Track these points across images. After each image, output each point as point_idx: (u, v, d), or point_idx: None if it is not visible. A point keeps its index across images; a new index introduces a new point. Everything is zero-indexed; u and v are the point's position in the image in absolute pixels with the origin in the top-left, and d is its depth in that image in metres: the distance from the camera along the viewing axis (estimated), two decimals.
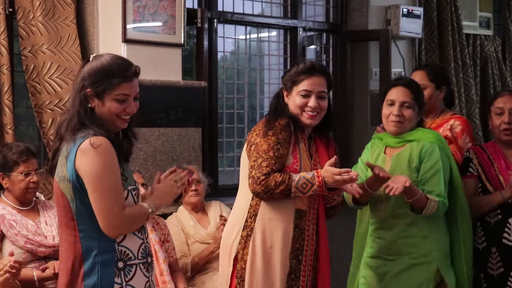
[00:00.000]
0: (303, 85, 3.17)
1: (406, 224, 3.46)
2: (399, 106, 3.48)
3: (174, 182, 2.73)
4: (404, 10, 5.82)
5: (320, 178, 3.04)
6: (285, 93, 3.24)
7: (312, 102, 3.16)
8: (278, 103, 3.25)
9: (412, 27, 5.90)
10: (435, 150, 3.45)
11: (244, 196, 3.20)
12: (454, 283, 3.51)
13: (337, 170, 3.03)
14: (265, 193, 3.05)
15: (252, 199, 3.15)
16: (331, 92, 3.32)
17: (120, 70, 2.62)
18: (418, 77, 4.03)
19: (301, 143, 3.20)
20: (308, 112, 3.17)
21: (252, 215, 3.15)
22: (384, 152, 3.57)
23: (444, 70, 4.79)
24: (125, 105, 2.63)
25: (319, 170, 3.08)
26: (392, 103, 3.50)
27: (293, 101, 3.19)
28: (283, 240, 3.12)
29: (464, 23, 6.40)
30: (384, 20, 5.91)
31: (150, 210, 2.63)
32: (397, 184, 3.22)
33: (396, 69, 5.84)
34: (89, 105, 2.60)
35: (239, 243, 3.15)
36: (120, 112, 2.63)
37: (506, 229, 3.71)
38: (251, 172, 3.07)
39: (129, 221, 2.58)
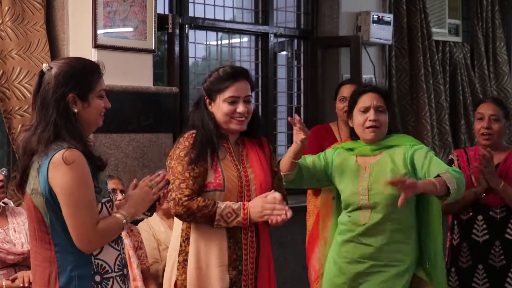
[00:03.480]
0: (230, 92, 3.08)
1: (392, 230, 3.43)
2: (375, 112, 3.44)
3: (149, 188, 2.69)
4: (374, 16, 5.86)
5: (245, 211, 2.99)
6: (207, 101, 3.14)
7: (240, 108, 3.08)
8: (197, 115, 3.15)
9: (382, 34, 5.95)
10: (418, 148, 3.44)
11: (177, 221, 3.15)
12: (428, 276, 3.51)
13: (270, 199, 2.99)
14: (188, 216, 3.00)
15: (183, 224, 3.10)
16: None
17: (93, 67, 2.61)
18: None
19: (225, 154, 3.13)
20: (237, 119, 3.10)
21: (185, 239, 3.09)
22: (356, 161, 3.51)
23: None
24: (104, 101, 2.62)
25: (245, 202, 3.02)
26: (366, 110, 3.45)
27: (220, 109, 3.09)
28: (218, 255, 3.05)
29: (434, 30, 6.46)
30: (355, 27, 5.94)
31: (124, 221, 2.58)
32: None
33: (367, 75, 5.88)
34: (74, 110, 2.54)
35: (177, 269, 3.10)
36: (102, 109, 2.62)
37: (475, 225, 3.95)
38: (171, 194, 3.01)
39: (104, 234, 2.53)
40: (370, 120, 3.44)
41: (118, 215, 2.58)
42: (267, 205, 2.98)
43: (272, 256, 3.26)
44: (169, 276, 3.16)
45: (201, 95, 3.19)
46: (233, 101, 3.09)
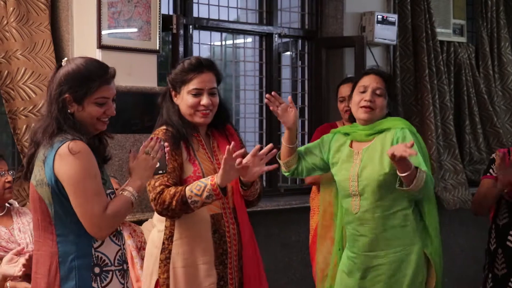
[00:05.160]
0: (194, 84, 3.06)
1: (384, 217, 3.41)
2: (372, 93, 3.45)
3: (147, 155, 2.70)
4: (378, 17, 5.86)
5: (213, 177, 2.92)
6: (173, 93, 3.12)
7: (204, 100, 3.05)
8: (164, 108, 3.13)
9: (386, 34, 5.94)
10: (407, 134, 3.40)
11: (159, 218, 3.11)
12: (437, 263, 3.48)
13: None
14: (167, 210, 2.95)
15: (166, 221, 3.06)
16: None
17: (98, 74, 2.63)
18: None
19: (198, 146, 3.10)
20: (201, 111, 3.07)
21: (169, 236, 3.06)
22: (350, 146, 3.53)
23: None
24: (105, 108, 2.65)
25: (213, 175, 2.96)
26: (364, 90, 3.47)
27: (185, 101, 3.07)
28: (205, 251, 3.03)
29: (438, 30, 6.45)
30: (359, 27, 5.94)
31: (132, 197, 2.62)
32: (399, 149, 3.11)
33: None
34: (68, 110, 2.59)
35: (159, 267, 3.05)
36: (101, 115, 2.64)
37: (511, 232, 3.86)
38: (150, 196, 2.99)
39: (114, 218, 2.58)
40: (365, 100, 3.45)
41: (125, 192, 2.63)
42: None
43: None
44: (150, 272, 3.12)
45: (167, 87, 3.15)
46: (197, 93, 3.06)
